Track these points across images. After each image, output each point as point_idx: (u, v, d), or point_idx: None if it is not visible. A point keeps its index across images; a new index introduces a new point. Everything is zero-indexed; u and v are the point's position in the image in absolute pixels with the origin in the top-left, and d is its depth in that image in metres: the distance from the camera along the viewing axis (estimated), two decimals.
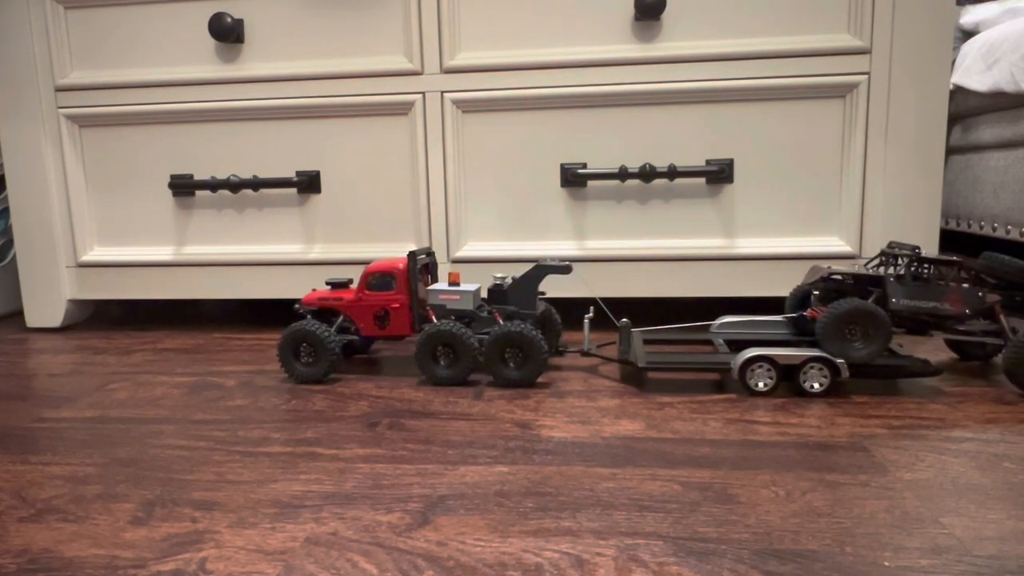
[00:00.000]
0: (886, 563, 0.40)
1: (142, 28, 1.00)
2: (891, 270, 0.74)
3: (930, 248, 0.90)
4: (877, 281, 0.72)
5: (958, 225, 1.72)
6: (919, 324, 0.72)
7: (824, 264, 0.80)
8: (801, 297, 0.81)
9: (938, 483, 0.50)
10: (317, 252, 1.02)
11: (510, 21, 0.94)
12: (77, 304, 1.11)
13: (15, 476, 0.55)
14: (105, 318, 1.18)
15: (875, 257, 0.78)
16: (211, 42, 0.99)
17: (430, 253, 0.83)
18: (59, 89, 1.03)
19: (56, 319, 1.08)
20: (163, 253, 1.05)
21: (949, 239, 1.94)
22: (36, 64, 1.02)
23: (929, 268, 0.72)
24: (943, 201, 1.73)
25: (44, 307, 1.08)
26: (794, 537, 0.43)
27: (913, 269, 0.71)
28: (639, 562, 0.41)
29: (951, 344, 0.78)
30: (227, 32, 0.96)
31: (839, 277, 0.75)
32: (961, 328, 0.72)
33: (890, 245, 0.76)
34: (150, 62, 1.01)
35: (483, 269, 0.98)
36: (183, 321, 1.14)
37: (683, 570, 0.40)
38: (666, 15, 0.91)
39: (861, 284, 0.73)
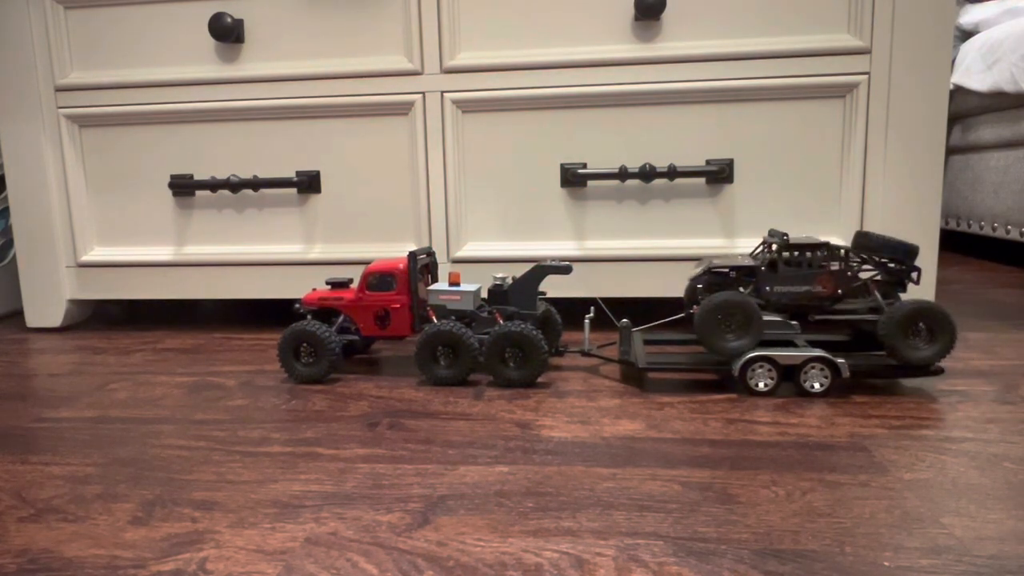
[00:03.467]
0: (886, 563, 0.40)
1: (142, 28, 1.00)
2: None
3: (930, 248, 0.90)
4: (753, 271, 0.73)
5: (958, 225, 1.72)
6: (799, 308, 0.73)
7: (709, 257, 0.81)
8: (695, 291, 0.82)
9: (938, 483, 0.50)
10: (317, 252, 1.02)
11: (510, 21, 0.94)
12: (77, 304, 1.11)
13: (15, 476, 0.55)
14: (105, 318, 1.18)
15: (758, 246, 0.79)
16: (211, 42, 0.99)
17: (430, 253, 0.83)
18: (59, 89, 1.03)
19: (56, 319, 1.08)
20: (163, 253, 1.05)
21: (949, 239, 1.94)
22: (36, 64, 1.02)
23: (801, 253, 0.72)
24: (943, 201, 1.74)
25: (44, 307, 1.08)
26: (794, 537, 0.43)
27: (785, 256, 0.72)
28: (639, 562, 0.41)
29: (848, 324, 0.78)
30: (227, 32, 0.96)
31: (725, 270, 0.75)
32: (840, 308, 0.73)
33: (770, 233, 0.77)
34: (150, 62, 1.01)
35: (483, 269, 0.98)
36: (183, 321, 1.14)
37: (683, 570, 0.40)
38: (666, 15, 0.91)
39: (740, 275, 0.75)
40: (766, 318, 0.72)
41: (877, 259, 0.73)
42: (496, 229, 0.98)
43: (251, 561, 0.42)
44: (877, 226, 0.91)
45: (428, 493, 0.50)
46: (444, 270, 0.99)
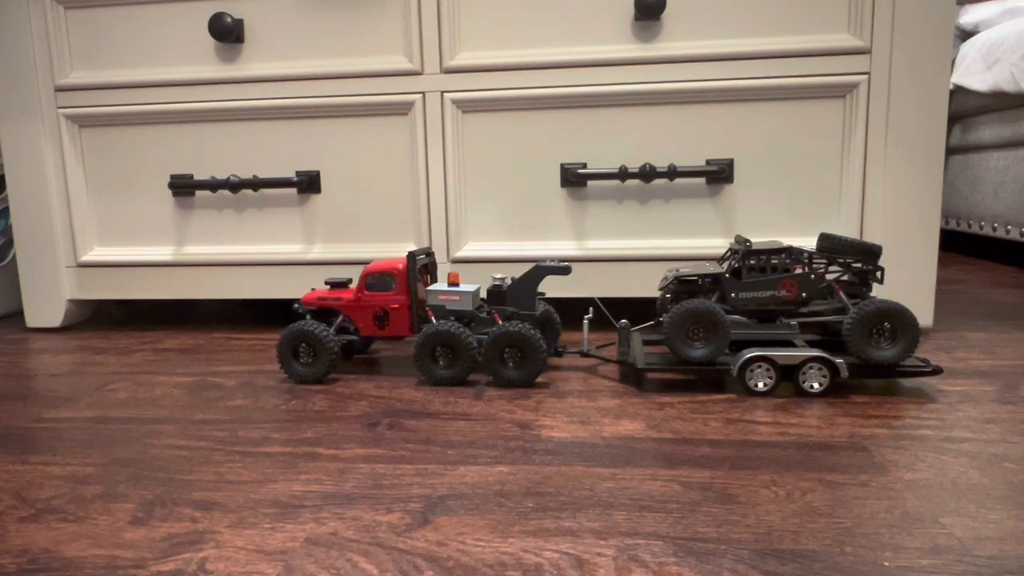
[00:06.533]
0: (886, 563, 0.40)
1: (142, 28, 1.00)
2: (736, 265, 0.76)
3: (930, 248, 0.90)
4: (718, 278, 0.74)
5: (958, 225, 1.72)
6: (766, 313, 0.74)
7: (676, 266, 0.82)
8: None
9: (938, 483, 0.50)
10: (317, 252, 1.02)
11: (510, 21, 0.94)
12: (77, 304, 1.11)
13: (15, 476, 0.55)
14: (105, 318, 1.18)
15: (725, 253, 0.79)
16: (211, 42, 0.99)
17: (430, 253, 0.83)
18: (59, 89, 1.03)
19: (56, 319, 1.08)
20: (163, 253, 1.05)
21: (949, 239, 1.94)
22: (36, 64, 1.02)
23: (764, 259, 0.73)
24: (943, 201, 1.74)
25: (44, 307, 1.08)
26: (794, 537, 0.43)
27: (750, 263, 0.73)
28: (639, 562, 0.41)
29: (818, 326, 0.79)
30: (227, 32, 0.96)
31: (692, 278, 0.76)
32: (806, 310, 0.74)
33: (736, 239, 0.77)
34: (150, 62, 1.01)
35: (483, 269, 0.98)
36: (183, 321, 1.14)
37: (683, 570, 0.40)
38: (666, 15, 0.91)
39: (708, 283, 0.76)
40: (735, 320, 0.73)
41: (842, 261, 0.73)
42: (496, 229, 0.98)
43: (251, 561, 0.42)
44: (877, 226, 0.91)
45: (428, 493, 0.50)
46: (444, 270, 0.99)
